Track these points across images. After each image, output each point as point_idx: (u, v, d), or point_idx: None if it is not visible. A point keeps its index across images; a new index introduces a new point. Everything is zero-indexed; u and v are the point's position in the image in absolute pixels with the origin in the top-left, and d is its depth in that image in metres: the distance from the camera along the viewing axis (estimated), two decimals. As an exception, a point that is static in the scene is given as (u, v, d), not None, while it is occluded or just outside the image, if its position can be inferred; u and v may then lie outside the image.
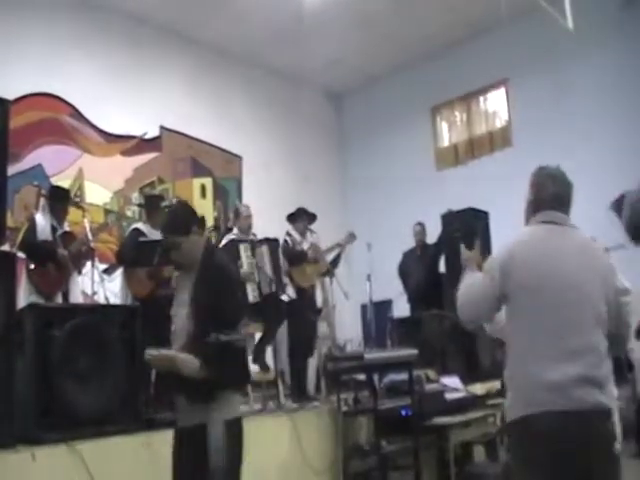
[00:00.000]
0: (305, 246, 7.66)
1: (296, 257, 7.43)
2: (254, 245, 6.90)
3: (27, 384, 4.31)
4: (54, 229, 6.19)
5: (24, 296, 5.84)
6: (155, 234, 6.44)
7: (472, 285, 3.18)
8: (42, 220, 6.18)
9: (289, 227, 7.78)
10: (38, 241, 6.05)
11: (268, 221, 7.75)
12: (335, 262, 8.07)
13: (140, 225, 6.62)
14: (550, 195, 3.12)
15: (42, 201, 6.86)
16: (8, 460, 3.86)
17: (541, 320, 2.89)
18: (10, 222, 7.42)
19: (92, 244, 6.36)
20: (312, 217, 7.91)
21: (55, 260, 6.00)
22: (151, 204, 6.82)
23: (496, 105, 11.97)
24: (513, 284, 2.96)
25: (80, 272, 6.37)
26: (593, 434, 2.78)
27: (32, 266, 6.01)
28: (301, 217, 7.78)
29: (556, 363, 2.82)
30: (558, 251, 3.01)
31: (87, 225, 6.51)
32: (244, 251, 6.77)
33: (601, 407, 2.82)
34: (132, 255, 6.24)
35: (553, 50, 10.53)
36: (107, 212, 9.48)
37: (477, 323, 3.42)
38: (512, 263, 2.99)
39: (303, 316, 7.33)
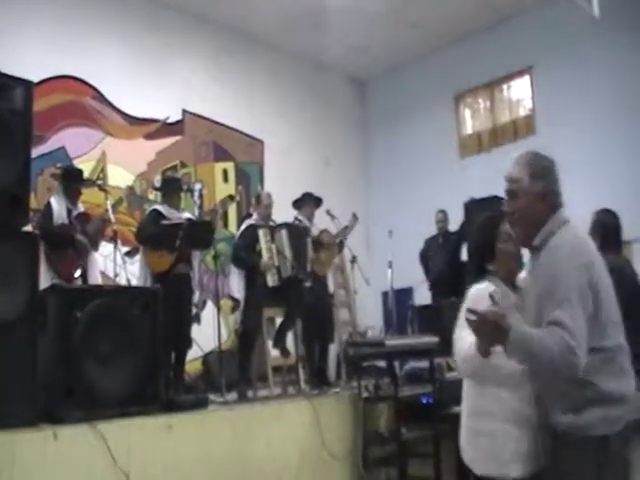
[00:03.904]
0: (314, 231, 7.62)
1: (313, 244, 7.39)
2: (273, 230, 6.88)
3: (49, 364, 4.33)
4: (69, 211, 6.20)
5: (44, 279, 5.86)
6: (174, 215, 6.47)
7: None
8: (57, 203, 6.18)
9: (295, 213, 7.71)
10: (55, 226, 6.05)
11: (289, 206, 7.71)
12: (341, 244, 8.09)
13: (159, 206, 6.65)
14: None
15: (55, 183, 6.85)
16: (30, 439, 3.88)
17: None
18: (34, 204, 7.44)
19: (115, 226, 6.37)
20: (318, 201, 7.83)
21: (73, 245, 6.00)
22: (169, 186, 6.89)
23: (520, 93, 11.81)
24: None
25: (97, 250, 6.38)
26: None
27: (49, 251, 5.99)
28: (307, 202, 7.73)
29: None
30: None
31: (110, 207, 6.54)
32: (263, 236, 6.76)
33: None
34: (153, 236, 6.28)
35: (578, 38, 10.36)
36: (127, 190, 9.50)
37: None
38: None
39: (320, 302, 7.31)
